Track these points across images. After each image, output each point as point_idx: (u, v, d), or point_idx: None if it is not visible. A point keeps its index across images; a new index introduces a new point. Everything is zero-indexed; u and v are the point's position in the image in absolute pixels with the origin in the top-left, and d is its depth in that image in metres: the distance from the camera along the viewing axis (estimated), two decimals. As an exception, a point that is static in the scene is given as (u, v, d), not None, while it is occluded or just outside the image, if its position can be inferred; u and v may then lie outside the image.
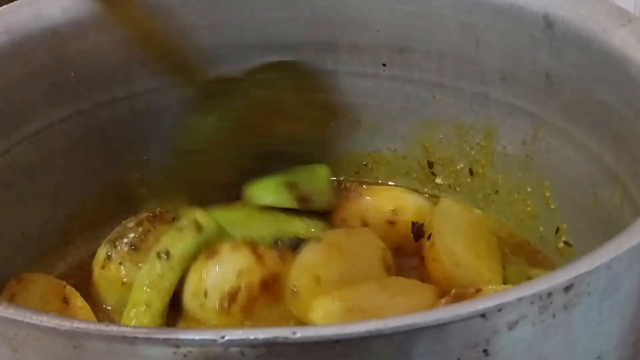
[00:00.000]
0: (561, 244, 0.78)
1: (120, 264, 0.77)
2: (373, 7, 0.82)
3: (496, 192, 0.83)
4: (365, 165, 0.89)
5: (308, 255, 0.75)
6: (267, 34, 0.83)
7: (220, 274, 0.73)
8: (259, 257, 0.73)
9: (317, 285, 0.73)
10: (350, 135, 0.87)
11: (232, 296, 0.72)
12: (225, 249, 0.74)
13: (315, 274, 0.73)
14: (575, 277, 0.47)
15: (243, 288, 0.72)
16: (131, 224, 0.79)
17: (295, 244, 0.78)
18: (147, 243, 0.77)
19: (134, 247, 0.77)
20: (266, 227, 0.80)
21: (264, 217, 0.81)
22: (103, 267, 0.77)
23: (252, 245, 0.74)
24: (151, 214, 0.80)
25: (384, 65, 0.83)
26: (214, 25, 0.82)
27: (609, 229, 0.69)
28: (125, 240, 0.77)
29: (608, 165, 0.70)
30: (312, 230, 0.80)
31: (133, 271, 0.76)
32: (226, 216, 0.81)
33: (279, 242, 0.78)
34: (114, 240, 0.78)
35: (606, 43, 0.69)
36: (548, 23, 0.73)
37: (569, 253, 0.77)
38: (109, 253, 0.77)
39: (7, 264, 0.75)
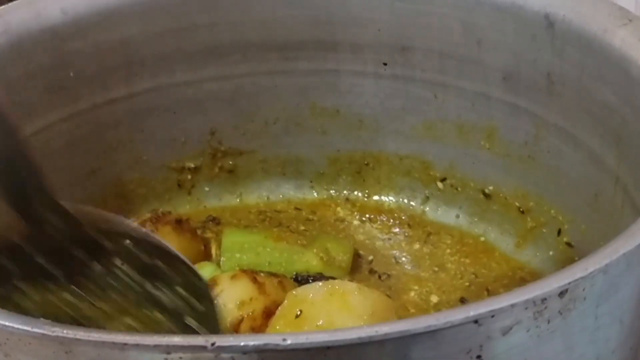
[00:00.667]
0: (563, 245, 0.77)
1: None
2: (374, 6, 0.81)
3: (496, 193, 0.82)
4: (366, 164, 0.88)
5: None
6: (267, 33, 0.83)
7: (221, 306, 0.71)
8: (260, 286, 0.72)
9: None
10: (351, 135, 0.87)
11: (235, 328, 0.70)
12: (224, 279, 0.72)
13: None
14: (570, 283, 0.47)
15: (246, 318, 0.70)
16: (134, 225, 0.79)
17: (304, 278, 0.78)
18: None
19: None
20: (277, 256, 0.80)
21: (277, 245, 0.81)
22: None
23: (252, 274, 0.73)
24: (153, 215, 0.79)
25: (385, 64, 0.83)
26: (213, 24, 0.82)
27: (610, 230, 0.69)
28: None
29: (609, 166, 0.70)
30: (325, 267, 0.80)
31: None
32: (239, 238, 0.81)
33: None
34: None
35: (607, 43, 0.69)
36: (549, 23, 0.73)
37: (571, 254, 0.77)
38: None
39: (6, 265, 0.75)
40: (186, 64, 0.83)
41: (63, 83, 0.78)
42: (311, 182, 0.89)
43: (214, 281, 0.72)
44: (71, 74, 0.78)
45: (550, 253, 0.79)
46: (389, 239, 0.84)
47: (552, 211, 0.78)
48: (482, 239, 0.84)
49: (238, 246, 0.80)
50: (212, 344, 0.43)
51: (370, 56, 0.83)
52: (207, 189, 0.88)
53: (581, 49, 0.71)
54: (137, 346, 0.44)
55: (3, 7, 0.76)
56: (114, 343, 0.44)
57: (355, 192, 0.89)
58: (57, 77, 0.77)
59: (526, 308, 0.46)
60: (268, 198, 0.89)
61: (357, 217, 0.87)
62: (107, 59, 0.79)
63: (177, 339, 0.44)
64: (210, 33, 0.82)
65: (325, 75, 0.85)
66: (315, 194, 0.89)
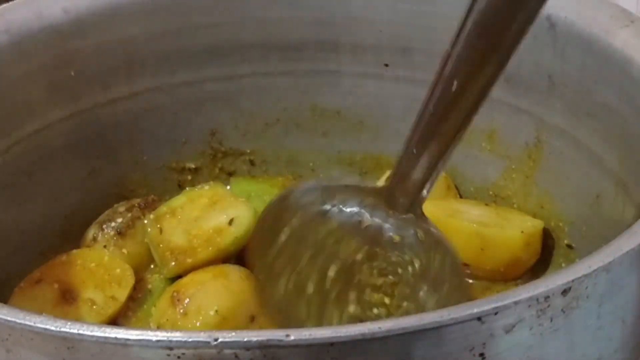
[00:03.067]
0: (563, 247, 0.77)
1: (105, 247, 0.77)
2: (375, 7, 0.81)
3: (498, 195, 0.82)
4: (368, 166, 0.88)
5: None
6: (268, 33, 0.83)
7: None
8: None
9: None
10: (352, 136, 0.87)
11: None
12: None
13: None
14: (573, 281, 0.47)
15: None
16: (122, 209, 0.80)
17: None
18: (134, 229, 0.78)
19: (120, 233, 0.77)
20: None
21: None
22: (88, 248, 0.78)
23: None
24: (142, 201, 0.80)
25: (387, 65, 0.83)
26: (214, 25, 0.82)
27: (611, 232, 0.68)
28: (113, 224, 0.78)
29: (610, 167, 0.70)
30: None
31: (116, 256, 0.77)
32: (247, 186, 0.85)
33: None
34: (102, 222, 0.79)
35: (609, 44, 0.68)
36: (551, 24, 0.73)
37: (572, 256, 0.77)
38: (95, 235, 0.78)
39: (5, 265, 0.74)
40: (187, 64, 0.83)
41: (64, 82, 0.78)
42: (311, 183, 0.89)
43: None
44: (72, 74, 0.78)
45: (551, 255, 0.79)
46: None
47: (553, 213, 0.78)
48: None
49: (246, 194, 0.82)
50: (215, 340, 0.43)
51: (371, 57, 0.83)
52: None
53: (583, 50, 0.71)
54: (139, 342, 0.44)
55: (4, 5, 0.76)
56: (116, 338, 0.44)
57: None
58: (58, 76, 0.77)
59: (529, 306, 0.46)
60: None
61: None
62: (108, 59, 0.79)
63: (179, 335, 0.44)
64: (211, 33, 0.82)
65: (326, 76, 0.85)
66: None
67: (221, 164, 0.88)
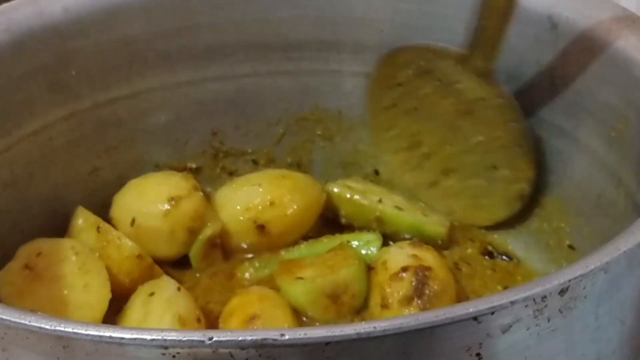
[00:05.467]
0: (565, 248, 0.77)
1: None
2: (377, 7, 0.81)
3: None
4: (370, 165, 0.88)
5: None
6: (270, 33, 0.83)
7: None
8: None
9: None
10: (355, 135, 0.87)
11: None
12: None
13: None
14: (570, 281, 0.47)
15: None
16: None
17: None
18: None
19: None
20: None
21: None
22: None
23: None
24: None
25: (388, 65, 0.83)
26: (216, 24, 0.81)
27: (613, 233, 0.68)
28: None
29: (612, 168, 0.70)
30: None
31: None
32: None
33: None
34: None
35: (610, 44, 0.68)
36: (552, 24, 0.72)
37: (574, 257, 0.76)
38: None
39: (6, 264, 0.74)
40: (188, 63, 0.82)
41: (65, 81, 0.78)
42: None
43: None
44: (73, 73, 0.78)
45: (553, 256, 0.78)
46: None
47: (555, 213, 0.78)
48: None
49: None
50: (210, 339, 0.43)
51: (373, 57, 0.82)
52: (208, 189, 0.87)
53: (584, 50, 0.71)
54: (134, 340, 0.44)
55: (6, 4, 0.76)
56: (111, 337, 0.44)
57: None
58: (59, 75, 0.77)
59: (526, 306, 0.46)
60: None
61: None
62: (109, 58, 0.79)
63: (174, 334, 0.44)
64: (213, 33, 0.82)
65: (327, 76, 0.85)
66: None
67: (223, 164, 0.88)
